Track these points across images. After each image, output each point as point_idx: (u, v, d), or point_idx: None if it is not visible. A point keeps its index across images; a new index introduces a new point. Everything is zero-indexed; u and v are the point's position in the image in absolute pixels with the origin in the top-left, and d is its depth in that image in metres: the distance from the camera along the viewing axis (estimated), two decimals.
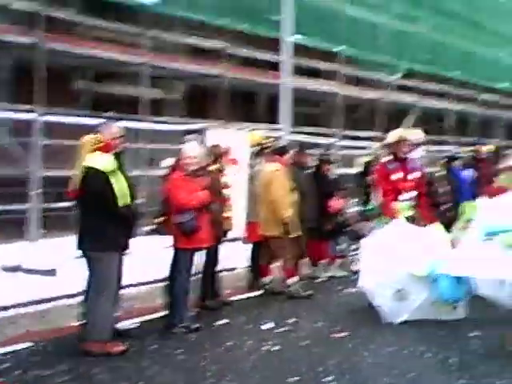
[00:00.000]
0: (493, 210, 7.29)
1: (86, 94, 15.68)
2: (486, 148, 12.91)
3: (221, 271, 8.92)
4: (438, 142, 24.42)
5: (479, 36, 26.06)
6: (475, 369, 6.24)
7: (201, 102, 17.95)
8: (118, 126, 7.00)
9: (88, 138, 6.70)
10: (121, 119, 10.18)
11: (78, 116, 12.47)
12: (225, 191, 8.60)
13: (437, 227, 8.41)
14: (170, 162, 8.21)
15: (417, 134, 9.01)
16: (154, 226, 8.18)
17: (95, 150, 6.60)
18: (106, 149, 6.63)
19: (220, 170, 8.60)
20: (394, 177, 8.50)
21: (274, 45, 16.88)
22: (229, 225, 8.72)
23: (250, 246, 10.06)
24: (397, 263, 7.76)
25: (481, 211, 7.66)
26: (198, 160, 7.60)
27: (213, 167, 8.41)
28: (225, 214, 8.53)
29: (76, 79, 15.63)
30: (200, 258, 7.87)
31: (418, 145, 9.04)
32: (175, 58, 16.48)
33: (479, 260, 6.62)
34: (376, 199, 8.79)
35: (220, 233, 8.44)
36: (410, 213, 8.52)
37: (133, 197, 6.76)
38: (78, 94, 15.58)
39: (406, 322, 7.76)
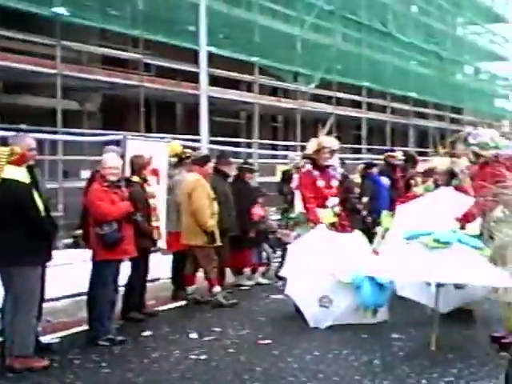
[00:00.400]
0: (410, 215, 7.49)
1: None
2: (399, 155, 13.23)
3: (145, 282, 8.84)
4: (353, 149, 24.99)
5: (389, 46, 26.75)
6: (398, 370, 6.38)
7: (118, 113, 17.76)
8: (31, 138, 6.85)
9: (1, 150, 6.50)
10: (32, 131, 9.95)
11: None
12: (151, 201, 8.54)
13: (357, 234, 8.58)
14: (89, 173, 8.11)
15: (332, 141, 9.17)
16: (73, 239, 8.04)
17: (8, 163, 6.39)
18: (20, 161, 6.44)
19: (145, 180, 8.53)
20: (318, 184, 8.63)
21: (192, 55, 16.91)
22: (158, 234, 8.67)
23: (171, 256, 10.01)
24: (321, 270, 7.87)
25: (399, 217, 7.85)
26: (118, 171, 7.53)
27: (136, 178, 8.35)
28: (154, 224, 8.48)
29: None
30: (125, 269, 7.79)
31: (334, 152, 9.19)
32: (90, 68, 16.26)
33: (402, 262, 6.77)
34: (300, 207, 8.88)
35: (148, 243, 8.37)
36: (334, 219, 8.67)
37: (47, 210, 6.61)
38: None
39: (330, 327, 7.87)
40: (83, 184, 8.33)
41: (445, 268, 6.58)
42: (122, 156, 8.48)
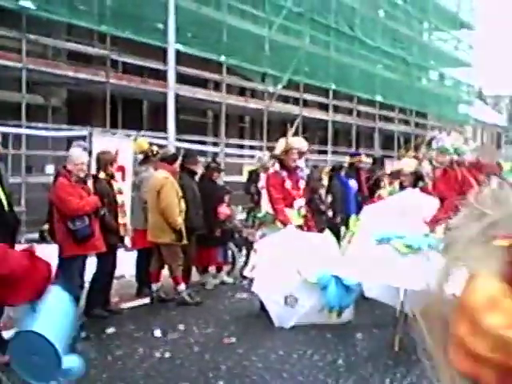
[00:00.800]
0: (376, 216, 7.52)
1: None
2: (364, 158, 13.35)
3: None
4: (319, 151, 25.10)
5: (357, 50, 26.90)
6: (362, 370, 6.42)
7: (83, 108, 17.59)
8: None
9: None
10: None
11: None
12: (118, 197, 8.48)
13: (327, 234, 8.59)
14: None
15: (301, 142, 9.18)
16: (40, 234, 7.97)
17: None
18: None
19: (112, 177, 8.46)
20: (286, 185, 8.62)
21: (160, 53, 16.83)
22: (125, 231, 8.61)
23: (135, 253, 9.95)
24: (288, 269, 7.87)
25: (364, 218, 7.87)
26: (86, 166, 7.49)
27: (102, 174, 8.29)
28: (120, 221, 8.41)
29: None
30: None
31: (303, 153, 9.21)
32: (56, 63, 16.08)
33: (371, 265, 6.78)
34: (267, 206, 8.87)
35: (115, 239, 8.30)
36: (300, 221, 8.68)
37: (10, 204, 6.53)
38: None
39: (294, 327, 7.89)
40: (47, 179, 8.25)
41: (415, 274, 6.59)
42: (90, 152, 8.42)
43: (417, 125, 32.93)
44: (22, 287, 2.05)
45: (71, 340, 2.20)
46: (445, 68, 35.88)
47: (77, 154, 7.51)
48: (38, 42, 15.48)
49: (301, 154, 8.92)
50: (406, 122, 32.28)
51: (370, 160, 13.81)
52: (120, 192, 8.61)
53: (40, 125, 15.07)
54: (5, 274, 1.98)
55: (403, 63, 30.52)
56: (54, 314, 2.26)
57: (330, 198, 11.61)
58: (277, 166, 8.81)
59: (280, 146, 8.86)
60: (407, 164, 8.81)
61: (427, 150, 8.36)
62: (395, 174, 9.55)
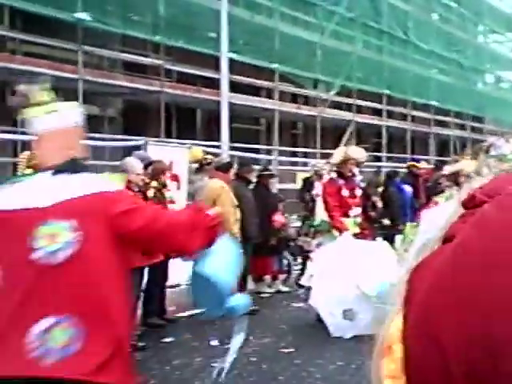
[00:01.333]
0: (436, 218, 7.34)
1: (17, 110, 15.25)
2: (422, 164, 13.17)
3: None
4: (373, 158, 24.84)
5: (410, 54, 26.61)
6: None
7: (138, 118, 17.78)
8: None
9: (25, 155, 6.48)
10: None
11: (10, 132, 12.19)
12: (170, 206, 8.48)
13: (384, 244, 8.46)
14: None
15: (360, 153, 9.08)
16: None
17: (30, 167, 6.36)
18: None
19: (164, 186, 8.49)
20: (343, 193, 8.53)
21: (213, 62, 16.93)
22: None
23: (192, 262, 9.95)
24: (346, 282, 7.72)
25: (424, 223, 7.70)
26: (144, 176, 7.54)
27: (155, 183, 8.32)
28: None
29: (7, 95, 15.25)
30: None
31: (361, 163, 9.12)
32: (112, 74, 16.30)
33: None
34: (323, 214, 8.78)
35: None
36: (357, 229, 8.58)
37: None
38: (10, 111, 15.17)
39: (353, 337, 7.77)
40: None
41: None
42: (150, 162, 8.43)
43: (473, 129, 32.36)
44: (195, 237, 2.48)
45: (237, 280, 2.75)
46: (501, 71, 35.24)
47: (137, 163, 7.57)
48: (93, 53, 15.71)
49: (358, 163, 8.84)
50: (462, 127, 31.74)
51: (428, 166, 13.62)
52: (172, 201, 8.61)
53: (96, 135, 15.26)
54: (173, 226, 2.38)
55: (458, 67, 30.07)
56: (223, 257, 2.79)
57: (379, 204, 11.39)
58: (333, 174, 8.75)
59: (338, 155, 8.79)
60: (467, 164, 8.51)
61: (486, 157, 8.11)
62: (453, 176, 9.24)
